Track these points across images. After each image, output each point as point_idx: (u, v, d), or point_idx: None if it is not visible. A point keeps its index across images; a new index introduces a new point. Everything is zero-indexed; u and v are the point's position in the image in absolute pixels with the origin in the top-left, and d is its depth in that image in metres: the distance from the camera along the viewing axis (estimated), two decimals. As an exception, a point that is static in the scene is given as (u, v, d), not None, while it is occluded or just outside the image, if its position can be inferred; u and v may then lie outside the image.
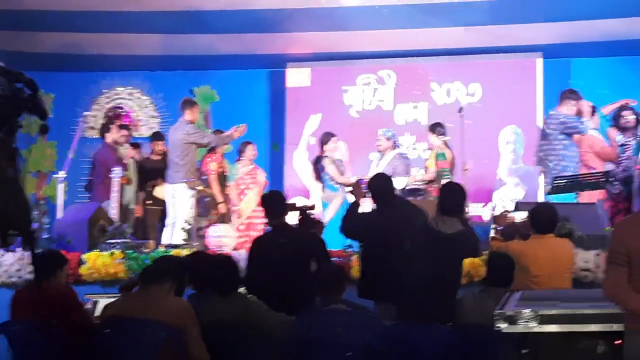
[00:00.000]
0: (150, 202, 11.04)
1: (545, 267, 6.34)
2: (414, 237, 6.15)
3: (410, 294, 5.93)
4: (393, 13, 11.35)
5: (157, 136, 11.64)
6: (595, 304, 4.56)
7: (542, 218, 6.60)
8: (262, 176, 11.25)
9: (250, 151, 11.15)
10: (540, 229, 6.56)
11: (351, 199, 7.64)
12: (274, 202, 7.09)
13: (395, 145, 10.89)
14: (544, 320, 4.48)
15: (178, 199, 10.08)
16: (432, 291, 5.80)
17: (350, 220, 7.06)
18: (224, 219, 10.57)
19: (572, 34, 11.87)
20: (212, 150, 10.79)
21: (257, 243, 7.13)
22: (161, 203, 10.63)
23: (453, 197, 6.29)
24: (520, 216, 7.57)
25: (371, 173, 10.33)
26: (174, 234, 9.89)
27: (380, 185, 7.09)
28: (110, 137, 10.94)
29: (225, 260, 6.02)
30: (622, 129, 9.66)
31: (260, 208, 10.76)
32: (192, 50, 12.60)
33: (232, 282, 5.75)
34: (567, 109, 9.50)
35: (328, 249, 7.05)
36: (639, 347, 4.08)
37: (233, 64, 13.12)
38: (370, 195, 7.15)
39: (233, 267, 5.84)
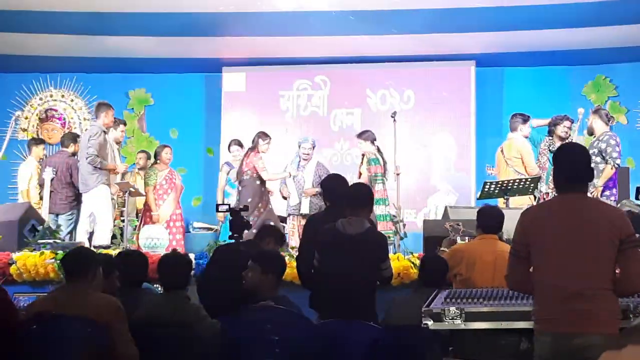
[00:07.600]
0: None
1: (488, 267, 6.36)
2: (321, 242, 6.12)
3: (328, 297, 5.90)
4: (329, 19, 11.41)
5: None
6: (518, 302, 4.65)
7: (488, 219, 6.67)
8: (179, 180, 11.06)
9: (167, 155, 10.98)
10: (486, 229, 6.63)
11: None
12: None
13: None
14: (469, 317, 4.57)
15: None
16: (346, 292, 5.74)
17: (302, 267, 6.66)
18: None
19: (505, 44, 12.09)
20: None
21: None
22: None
23: (358, 195, 6.19)
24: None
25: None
26: (98, 235, 9.70)
27: (333, 186, 6.74)
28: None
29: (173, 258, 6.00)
30: (560, 138, 9.87)
31: (179, 211, 10.86)
32: (127, 53, 12.53)
33: (175, 279, 5.70)
34: None
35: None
36: (547, 349, 4.13)
37: (168, 67, 13.07)
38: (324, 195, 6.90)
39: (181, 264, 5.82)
